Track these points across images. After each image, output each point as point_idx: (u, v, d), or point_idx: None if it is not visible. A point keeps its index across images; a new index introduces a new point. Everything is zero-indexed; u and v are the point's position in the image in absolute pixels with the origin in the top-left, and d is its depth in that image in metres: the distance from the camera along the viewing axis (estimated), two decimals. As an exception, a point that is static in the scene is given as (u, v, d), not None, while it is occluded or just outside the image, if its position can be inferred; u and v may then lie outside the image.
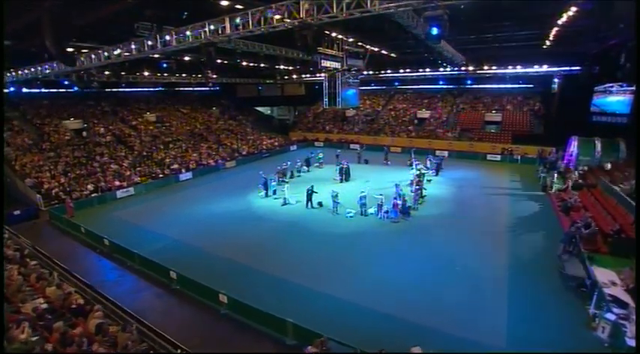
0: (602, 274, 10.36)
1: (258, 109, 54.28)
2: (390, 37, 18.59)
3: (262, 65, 30.34)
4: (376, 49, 24.98)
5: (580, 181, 19.83)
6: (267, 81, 44.39)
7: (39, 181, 20.51)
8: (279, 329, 8.87)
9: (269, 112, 57.05)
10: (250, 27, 10.19)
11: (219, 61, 27.04)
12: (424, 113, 38.40)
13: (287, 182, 19.49)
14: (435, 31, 8.00)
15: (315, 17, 9.07)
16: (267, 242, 14.44)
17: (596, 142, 23.33)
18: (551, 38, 19.97)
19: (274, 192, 19.89)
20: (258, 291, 10.92)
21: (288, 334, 8.67)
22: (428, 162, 24.91)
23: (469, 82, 38.43)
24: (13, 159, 22.25)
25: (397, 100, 43.05)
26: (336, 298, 10.45)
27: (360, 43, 22.17)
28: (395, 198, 16.09)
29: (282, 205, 18.64)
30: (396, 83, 43.78)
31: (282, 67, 32.67)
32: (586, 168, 21.28)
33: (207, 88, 45.90)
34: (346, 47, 19.89)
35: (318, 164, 28.10)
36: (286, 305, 10.06)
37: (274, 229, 15.80)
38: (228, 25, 10.21)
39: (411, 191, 18.15)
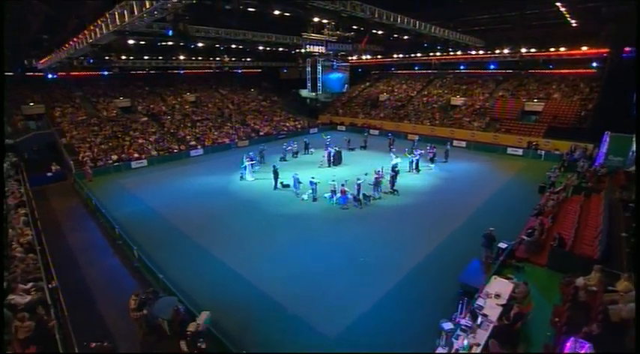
0: (497, 286, 9.33)
1: (303, 91, 55.46)
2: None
3: (281, 49, 31.26)
4: (380, 32, 23.81)
5: (589, 184, 17.02)
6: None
7: (77, 150, 25.02)
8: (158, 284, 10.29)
9: (313, 94, 57.81)
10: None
11: (233, 46, 28.79)
12: (457, 100, 35.38)
13: (254, 162, 21.45)
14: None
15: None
16: (214, 215, 15.86)
17: (634, 139, 19.23)
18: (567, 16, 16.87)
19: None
20: (175, 254, 12.48)
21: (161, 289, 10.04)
22: (429, 150, 23.52)
23: (493, 65, 34.38)
24: (66, 131, 27.37)
25: (434, 86, 40.21)
26: (234, 272, 11.28)
27: (354, 27, 21.49)
28: (343, 184, 16.06)
29: (240, 179, 20.68)
30: (417, 66, 41.22)
31: (303, 51, 33.12)
32: (604, 170, 17.98)
33: (249, 71, 48.61)
34: (330, 31, 19.62)
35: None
36: (188, 268, 11.49)
37: (231, 204, 17.15)
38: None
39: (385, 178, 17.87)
